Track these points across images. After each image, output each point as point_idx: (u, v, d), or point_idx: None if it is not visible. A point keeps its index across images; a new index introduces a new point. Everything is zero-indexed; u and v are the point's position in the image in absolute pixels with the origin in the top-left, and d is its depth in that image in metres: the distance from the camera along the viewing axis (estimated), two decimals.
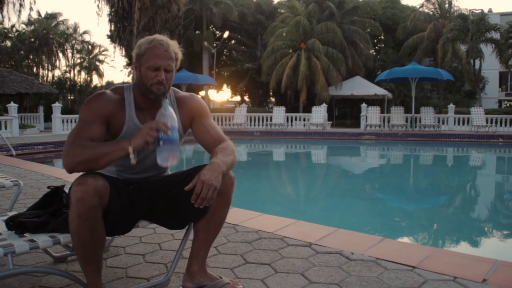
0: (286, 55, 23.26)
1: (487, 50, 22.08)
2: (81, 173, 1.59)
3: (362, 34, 24.51)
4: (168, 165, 1.56)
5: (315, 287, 1.85)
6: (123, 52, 23.11)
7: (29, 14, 30.27)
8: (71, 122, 15.80)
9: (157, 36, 1.71)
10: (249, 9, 27.84)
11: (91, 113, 1.64)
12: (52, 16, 33.86)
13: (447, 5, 26.13)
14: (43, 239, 1.61)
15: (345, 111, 28.13)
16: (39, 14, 32.59)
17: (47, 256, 2.24)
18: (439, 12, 26.44)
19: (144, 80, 1.67)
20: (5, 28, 30.38)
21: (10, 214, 1.91)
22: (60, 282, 1.94)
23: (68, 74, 35.42)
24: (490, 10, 32.98)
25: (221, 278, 1.81)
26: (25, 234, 1.67)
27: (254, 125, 19.10)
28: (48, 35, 32.41)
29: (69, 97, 34.60)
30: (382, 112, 18.96)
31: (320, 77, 21.79)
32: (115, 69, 70.48)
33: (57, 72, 35.53)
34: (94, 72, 37.03)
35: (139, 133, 1.56)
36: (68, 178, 4.83)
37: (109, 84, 36.28)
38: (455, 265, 2.06)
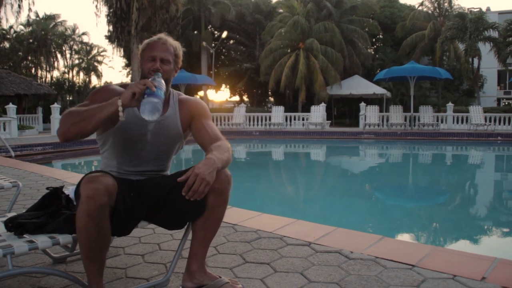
0: (284, 55, 23.28)
1: (486, 48, 22.12)
2: (90, 171, 1.63)
3: (360, 33, 24.54)
4: (149, 118, 1.58)
5: (315, 286, 1.85)
6: (122, 53, 23.10)
7: (28, 15, 30.19)
8: None
9: (160, 35, 1.83)
10: (248, 9, 27.84)
11: (92, 98, 1.75)
12: (50, 17, 33.84)
13: (446, 4, 26.16)
14: (42, 240, 1.61)
15: (344, 110, 28.15)
16: (37, 15, 32.59)
17: (47, 257, 2.24)
18: (438, 11, 26.47)
19: (143, 71, 1.77)
20: (3, 29, 30.35)
21: (9, 215, 1.90)
22: (59, 283, 1.94)
23: (66, 75, 35.44)
24: (488, 9, 33.06)
25: (220, 277, 1.81)
26: (24, 235, 1.67)
27: (253, 125, 19.10)
28: (47, 36, 32.39)
29: (67, 98, 34.57)
30: (381, 111, 18.97)
31: (318, 76, 21.81)
32: (114, 69, 70.59)
33: (55, 73, 35.59)
34: (92, 72, 37.03)
35: (128, 87, 1.61)
36: (67, 179, 4.83)
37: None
38: (454, 263, 2.06)
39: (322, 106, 18.50)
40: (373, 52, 28.90)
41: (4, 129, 14.16)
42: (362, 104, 18.53)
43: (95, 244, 1.56)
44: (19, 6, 17.69)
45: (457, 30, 21.12)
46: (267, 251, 2.32)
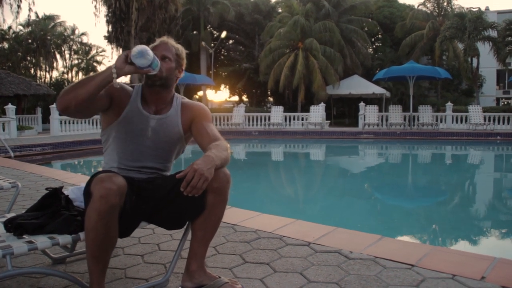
0: (283, 55, 23.27)
1: (485, 48, 22.13)
2: (100, 170, 1.67)
3: (359, 33, 24.54)
4: (143, 62, 1.61)
5: (314, 286, 1.85)
6: (121, 53, 23.10)
7: (29, 15, 30.18)
8: (69, 123, 15.74)
9: (162, 38, 1.90)
10: (247, 9, 27.83)
11: None
12: (49, 18, 33.80)
13: (445, 4, 26.17)
14: (41, 241, 1.61)
15: (343, 110, 28.15)
16: (37, 16, 32.55)
17: (46, 258, 2.24)
18: (437, 10, 26.48)
19: None
20: (2, 30, 30.31)
21: (9, 215, 1.90)
22: (59, 284, 1.94)
23: (66, 75, 35.39)
24: (487, 8, 33.06)
25: (220, 277, 1.81)
26: (23, 236, 1.67)
27: (252, 124, 19.10)
28: (46, 37, 32.34)
29: None
30: (380, 110, 18.97)
31: (318, 76, 21.81)
32: None
33: (54, 73, 35.53)
34: (91, 73, 36.94)
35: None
36: (67, 180, 4.82)
37: None
38: (453, 263, 2.06)
39: (322, 106, 18.50)
40: (372, 52, 28.92)
41: (3, 130, 14.14)
42: (362, 104, 18.53)
43: (102, 244, 1.57)
44: (19, 6, 17.68)
45: (456, 29, 21.13)
46: (267, 251, 2.32)
